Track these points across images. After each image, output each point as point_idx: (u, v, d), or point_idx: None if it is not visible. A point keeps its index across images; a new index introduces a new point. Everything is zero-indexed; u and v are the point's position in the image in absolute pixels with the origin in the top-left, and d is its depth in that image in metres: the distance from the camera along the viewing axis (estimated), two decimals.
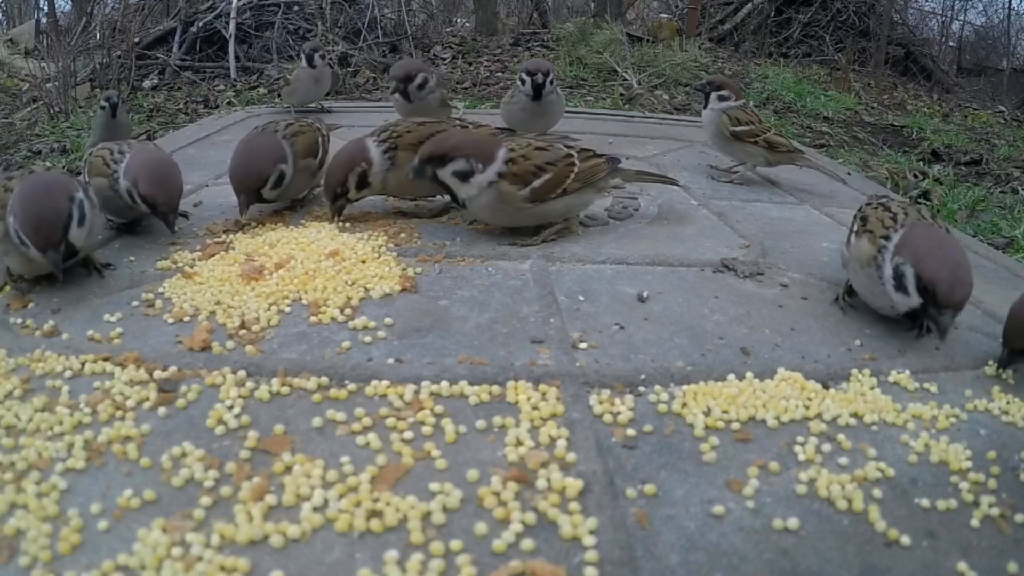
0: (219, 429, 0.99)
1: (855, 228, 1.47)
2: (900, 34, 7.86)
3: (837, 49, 7.22)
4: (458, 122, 1.97)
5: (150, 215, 1.64)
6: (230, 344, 1.19)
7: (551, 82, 2.48)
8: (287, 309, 1.32)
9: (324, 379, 1.10)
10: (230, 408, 1.02)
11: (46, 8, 7.90)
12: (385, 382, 1.09)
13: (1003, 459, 1.00)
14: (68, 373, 1.10)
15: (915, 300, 1.25)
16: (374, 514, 0.84)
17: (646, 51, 5.69)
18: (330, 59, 3.34)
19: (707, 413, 1.06)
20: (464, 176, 1.60)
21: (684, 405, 1.08)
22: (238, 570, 0.76)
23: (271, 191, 1.74)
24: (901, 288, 1.27)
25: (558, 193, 1.66)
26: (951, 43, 10.38)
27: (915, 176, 3.62)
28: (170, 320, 1.27)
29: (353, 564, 0.77)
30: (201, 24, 5.12)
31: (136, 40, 4.67)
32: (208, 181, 2.18)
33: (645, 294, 1.44)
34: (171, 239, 1.65)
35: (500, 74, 5.46)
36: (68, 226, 1.30)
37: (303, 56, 3.28)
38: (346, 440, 0.97)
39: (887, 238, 1.33)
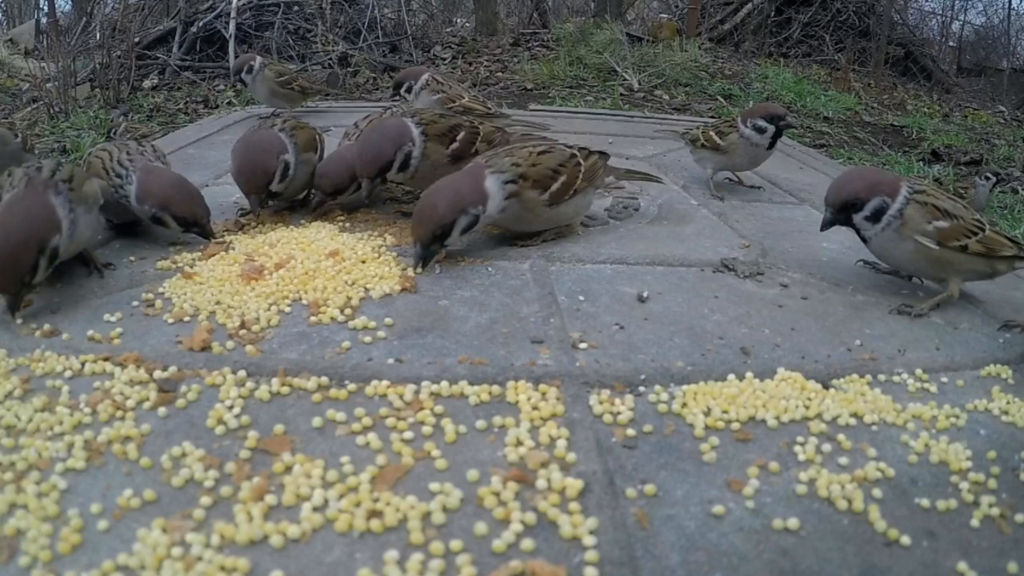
0: (219, 429, 0.99)
1: None
2: (900, 34, 7.86)
3: (837, 49, 7.22)
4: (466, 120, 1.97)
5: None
6: (230, 344, 1.19)
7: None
8: (287, 309, 1.32)
9: (324, 379, 1.10)
10: (230, 408, 1.02)
11: (46, 8, 7.91)
12: (385, 382, 1.09)
13: (1003, 459, 1.00)
14: (68, 373, 1.10)
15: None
16: (374, 514, 0.84)
17: (646, 51, 5.69)
18: (267, 68, 3.14)
19: (707, 413, 1.06)
20: (472, 225, 1.53)
21: (684, 405, 1.08)
22: (238, 570, 0.76)
23: (279, 184, 1.73)
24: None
25: (570, 194, 1.67)
26: (951, 43, 10.38)
27: (986, 178, 2.94)
28: (170, 320, 1.27)
29: (353, 564, 0.77)
30: (201, 24, 5.12)
31: (136, 40, 4.67)
32: (208, 181, 2.18)
33: (645, 294, 1.44)
34: (171, 239, 1.65)
35: (500, 74, 5.46)
36: (33, 274, 1.24)
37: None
38: (346, 440, 0.97)
39: None
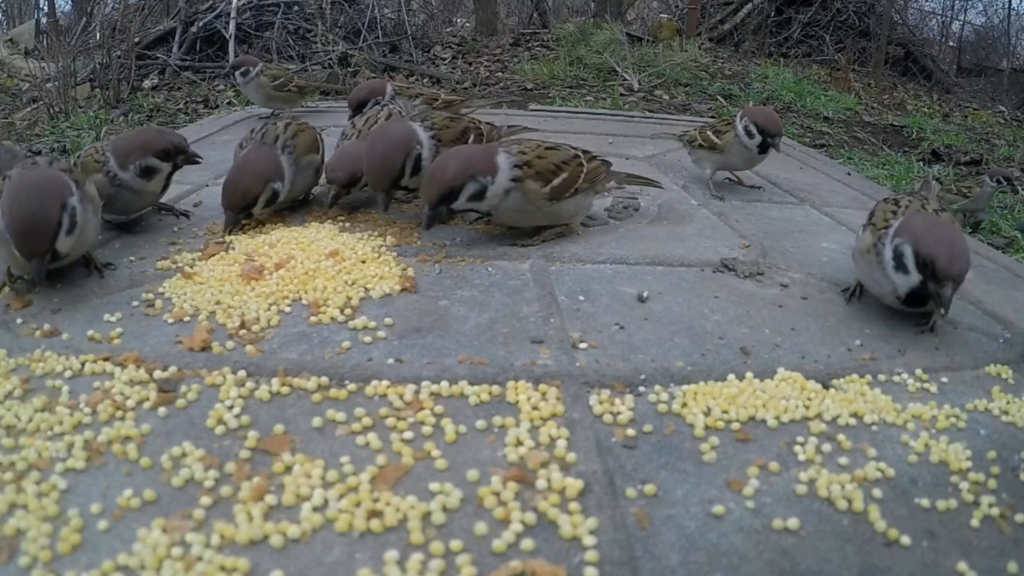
0: (219, 429, 0.99)
1: (864, 222, 1.51)
2: (900, 34, 7.86)
3: (837, 49, 7.22)
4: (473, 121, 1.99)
5: (146, 214, 1.65)
6: (230, 344, 1.19)
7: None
8: (287, 309, 1.32)
9: (324, 379, 1.10)
10: (230, 408, 1.02)
11: (46, 8, 7.91)
12: (385, 382, 1.09)
13: (1003, 459, 1.00)
14: (68, 373, 1.10)
15: (915, 277, 1.28)
16: (374, 514, 0.84)
17: (646, 51, 5.69)
18: (263, 75, 3.12)
19: (707, 413, 1.06)
20: (480, 195, 1.56)
21: (684, 405, 1.08)
22: (238, 570, 0.76)
23: (263, 209, 1.72)
24: (901, 267, 1.30)
25: (571, 192, 1.68)
26: (951, 43, 10.38)
27: (998, 181, 2.87)
28: (170, 320, 1.27)
29: (353, 564, 0.77)
30: (201, 24, 5.12)
31: (136, 40, 4.67)
32: (208, 181, 2.17)
33: (645, 294, 1.44)
34: (171, 239, 1.65)
35: (500, 74, 5.46)
36: (56, 235, 1.27)
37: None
38: (346, 440, 0.97)
39: (887, 227, 1.38)
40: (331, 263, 1.47)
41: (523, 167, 1.60)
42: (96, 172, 1.59)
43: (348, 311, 1.31)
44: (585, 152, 1.77)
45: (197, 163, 1.71)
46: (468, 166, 1.55)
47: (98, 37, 5.14)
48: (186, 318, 1.28)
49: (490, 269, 1.55)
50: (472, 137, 1.91)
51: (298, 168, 1.79)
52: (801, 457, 0.98)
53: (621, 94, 4.81)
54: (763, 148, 2.17)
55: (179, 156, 1.63)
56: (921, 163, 4.06)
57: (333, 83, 4.49)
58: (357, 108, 2.55)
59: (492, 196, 1.57)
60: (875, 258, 1.37)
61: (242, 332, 1.24)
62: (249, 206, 1.69)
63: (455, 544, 0.80)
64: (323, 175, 1.96)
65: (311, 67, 4.96)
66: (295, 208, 1.90)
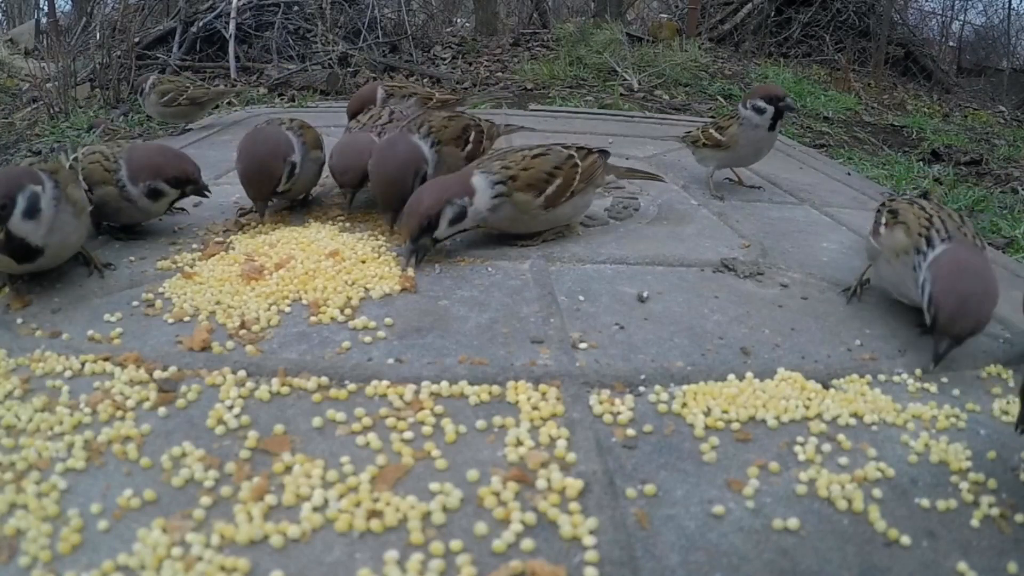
0: (219, 429, 0.99)
1: (884, 220, 1.45)
2: (900, 34, 7.86)
3: (837, 49, 7.22)
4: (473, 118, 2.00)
5: (148, 217, 1.66)
6: (230, 344, 1.19)
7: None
8: (287, 309, 1.32)
9: (324, 379, 1.10)
10: (230, 408, 1.02)
11: (46, 8, 7.91)
12: (385, 382, 1.09)
13: (1003, 459, 1.00)
14: (68, 373, 1.10)
15: (928, 316, 1.23)
16: (374, 514, 0.84)
17: (646, 51, 5.69)
18: (154, 92, 3.03)
19: (707, 413, 1.06)
20: (460, 217, 1.54)
21: (684, 405, 1.08)
22: (238, 570, 0.76)
23: (285, 184, 1.73)
24: (924, 299, 1.25)
25: (567, 196, 1.67)
26: (951, 43, 10.38)
27: None
28: (170, 320, 1.27)
29: (353, 564, 0.77)
30: (201, 24, 5.12)
31: (136, 40, 4.67)
32: (208, 181, 2.17)
33: (645, 294, 1.44)
34: (171, 239, 1.65)
35: (500, 74, 5.46)
36: (6, 211, 1.24)
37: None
38: (346, 440, 0.97)
39: (929, 242, 1.30)
40: (331, 263, 1.47)
41: (508, 182, 1.58)
42: (106, 184, 1.56)
43: (348, 311, 1.31)
44: (580, 149, 1.76)
45: (205, 197, 1.69)
46: (442, 193, 1.52)
47: (98, 37, 5.13)
48: (186, 318, 1.28)
49: (490, 269, 1.55)
50: (472, 134, 1.92)
51: (306, 158, 1.78)
52: (801, 457, 0.98)
53: (621, 94, 4.81)
54: (775, 120, 2.12)
55: (188, 186, 1.63)
56: (921, 163, 4.05)
57: (333, 84, 4.49)
58: (353, 118, 2.61)
59: (475, 214, 1.56)
60: (911, 270, 1.31)
61: (242, 332, 1.24)
62: (276, 186, 1.70)
63: (455, 544, 0.80)
64: (326, 175, 1.97)
65: (311, 67, 4.96)
66: (295, 208, 1.91)
